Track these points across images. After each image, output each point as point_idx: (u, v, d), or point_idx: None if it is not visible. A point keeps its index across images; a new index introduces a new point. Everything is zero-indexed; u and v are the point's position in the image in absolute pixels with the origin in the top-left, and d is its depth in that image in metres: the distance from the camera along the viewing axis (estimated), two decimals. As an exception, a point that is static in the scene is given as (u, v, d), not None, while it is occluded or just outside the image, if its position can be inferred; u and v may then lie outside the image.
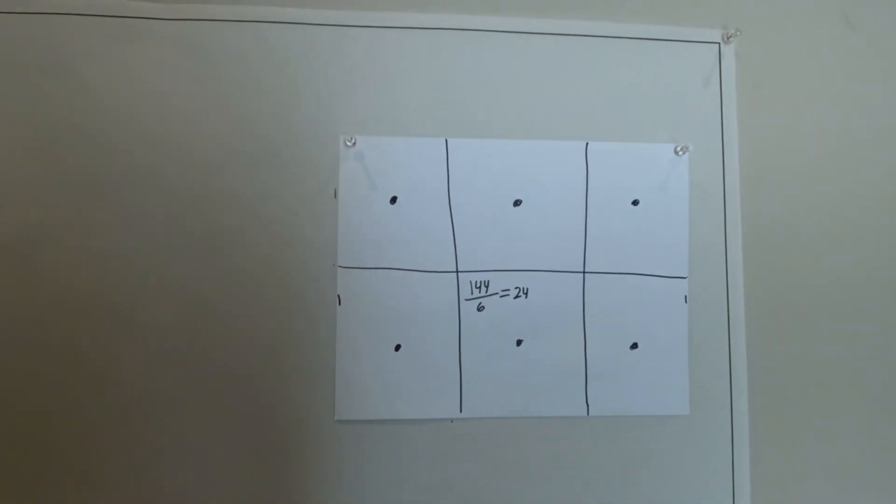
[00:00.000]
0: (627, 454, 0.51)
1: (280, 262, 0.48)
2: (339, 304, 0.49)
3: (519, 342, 0.50)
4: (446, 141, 0.50)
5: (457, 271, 0.50)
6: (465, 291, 0.50)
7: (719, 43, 0.53)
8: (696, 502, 0.51)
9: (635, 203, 0.51)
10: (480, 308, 0.50)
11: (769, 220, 0.52)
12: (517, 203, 0.50)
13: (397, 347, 0.49)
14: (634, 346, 0.51)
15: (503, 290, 0.50)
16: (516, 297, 0.50)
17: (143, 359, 0.47)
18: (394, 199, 0.49)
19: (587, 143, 0.51)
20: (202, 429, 0.47)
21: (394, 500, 0.48)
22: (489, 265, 0.50)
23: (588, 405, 0.50)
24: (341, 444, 0.48)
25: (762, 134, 0.52)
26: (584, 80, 0.51)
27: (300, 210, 0.49)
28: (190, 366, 0.48)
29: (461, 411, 0.49)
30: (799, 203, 0.53)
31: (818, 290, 0.53)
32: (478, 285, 0.50)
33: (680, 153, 0.51)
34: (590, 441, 0.51)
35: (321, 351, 0.48)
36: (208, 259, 0.48)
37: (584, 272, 0.51)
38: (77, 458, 0.47)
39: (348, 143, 0.49)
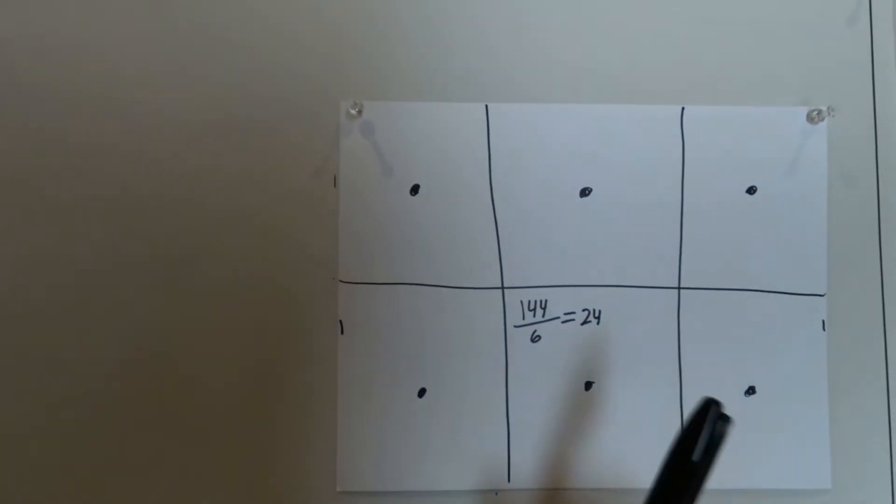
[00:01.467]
0: (742, 541, 0.36)
1: (260, 277, 0.35)
2: (342, 332, 0.36)
3: (588, 385, 0.36)
4: (486, 107, 0.36)
5: (502, 287, 0.36)
6: (515, 315, 0.36)
7: (869, -34, 0.37)
8: None
9: (751, 191, 0.37)
10: (535, 338, 0.36)
11: (945, 214, 0.37)
12: (585, 192, 0.36)
13: (421, 392, 0.36)
14: (751, 390, 0.36)
15: (566, 314, 0.36)
16: (584, 322, 0.36)
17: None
18: (415, 189, 0.36)
19: (682, 108, 0.37)
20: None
21: None
22: (547, 279, 0.36)
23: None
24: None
25: (936, 91, 0.37)
26: (677, 18, 0.37)
27: (287, 206, 0.36)
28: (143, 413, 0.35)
29: (509, 480, 0.36)
30: None
31: None
32: (531, 307, 0.36)
33: (815, 120, 0.37)
34: (689, 522, 0.36)
35: (318, 398, 0.35)
36: (164, 280, 0.35)
37: (678, 288, 0.36)
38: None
39: (352, 112, 0.36)
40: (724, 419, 0.27)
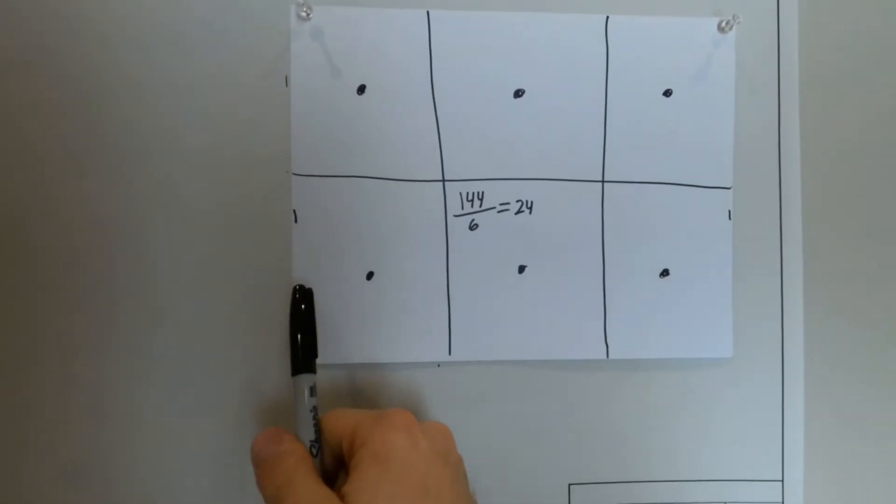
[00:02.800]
0: (654, 406, 0.41)
1: (217, 170, 0.38)
2: (296, 221, 0.39)
3: (521, 269, 0.40)
4: (428, 13, 0.39)
5: (443, 180, 0.39)
6: (454, 205, 0.40)
7: None
8: (737, 464, 0.42)
9: (667, 94, 0.40)
10: (473, 226, 0.40)
11: (836, 117, 0.41)
12: (518, 94, 0.40)
13: (369, 275, 0.39)
14: (665, 273, 0.41)
15: (501, 204, 0.40)
16: (518, 212, 0.40)
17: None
18: (362, 89, 0.39)
19: (607, 17, 0.40)
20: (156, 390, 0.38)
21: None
22: (484, 172, 0.40)
23: (608, 346, 0.41)
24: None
25: (830, 3, 0.41)
26: (603, -66, 0.40)
27: (241, 104, 0.38)
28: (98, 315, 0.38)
29: (450, 353, 0.40)
30: (875, 94, 0.42)
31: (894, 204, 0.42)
32: (469, 198, 0.40)
33: (725, 29, 0.40)
34: (609, 390, 0.41)
35: (275, 282, 0.38)
36: (116, 174, 0.38)
37: (602, 181, 0.40)
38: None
39: (302, 15, 0.38)
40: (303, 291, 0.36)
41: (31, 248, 0.37)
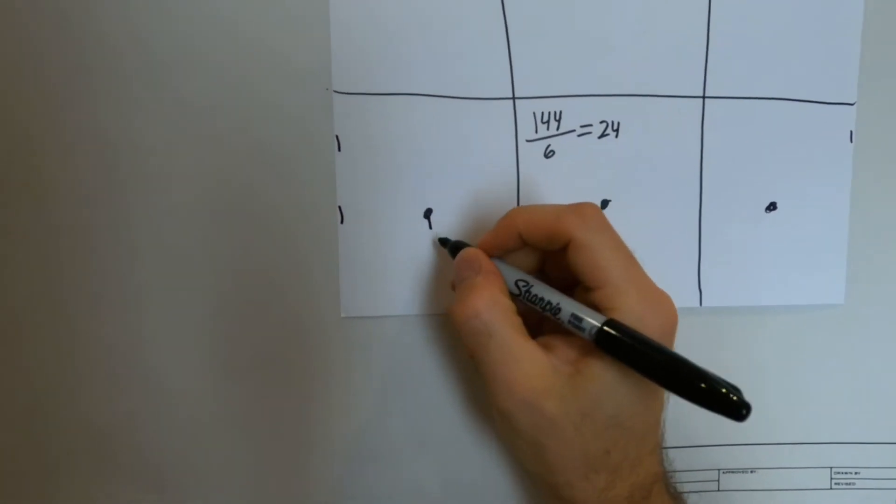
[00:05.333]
0: (752, 360, 0.36)
1: (243, 87, 0.32)
2: (339, 149, 0.32)
3: (605, 203, 0.34)
4: None
5: (513, 97, 0.33)
6: (527, 128, 0.33)
7: None
8: (847, 425, 0.37)
9: (785, -10, 0.33)
10: (549, 153, 0.34)
11: None
12: (605, -10, 0.33)
13: (427, 213, 0.33)
14: (772, 206, 0.35)
15: (582, 126, 0.33)
16: (602, 135, 0.34)
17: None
18: (415, -15, 0.32)
19: None
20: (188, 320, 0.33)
21: (411, 403, 0.35)
22: (562, 87, 0.33)
23: (701, 292, 0.35)
24: (349, 346, 0.34)
25: None
26: None
27: (271, 5, 0.31)
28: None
29: (520, 303, 0.34)
30: None
31: None
32: (545, 119, 0.33)
33: None
34: (700, 342, 0.35)
35: (316, 222, 0.33)
36: (141, 89, 0.31)
37: (703, 97, 0.34)
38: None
39: None
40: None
41: (48, 187, 0.31)
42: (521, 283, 0.28)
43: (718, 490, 0.37)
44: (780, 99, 0.34)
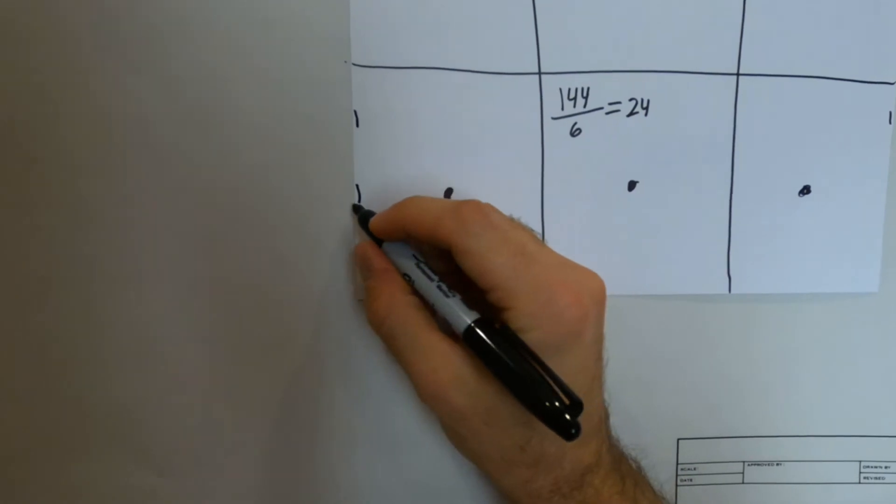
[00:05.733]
0: (781, 349, 0.35)
1: (257, 56, 0.30)
2: (357, 125, 0.31)
3: (632, 185, 0.33)
4: None
5: (539, 72, 0.32)
6: (552, 105, 0.32)
7: None
8: (878, 418, 0.35)
9: (825, -37, 0.32)
10: (575, 131, 0.32)
11: None
12: (636, -41, 0.31)
13: (448, 192, 0.32)
14: (805, 190, 0.33)
15: (611, 104, 0.32)
16: (631, 113, 0.32)
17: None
18: (438, -47, 0.30)
19: None
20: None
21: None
22: (590, 62, 0.32)
23: (730, 278, 0.34)
24: (364, 329, 0.32)
25: None
26: None
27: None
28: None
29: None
30: None
31: None
32: (572, 95, 0.32)
33: None
34: (728, 330, 0.34)
35: (332, 201, 0.31)
36: (154, 62, 0.30)
37: (737, 74, 0.32)
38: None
39: None
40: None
41: (72, 158, 0.30)
42: (407, 278, 0.28)
43: (743, 483, 0.36)
44: (817, 77, 0.33)
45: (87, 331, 0.31)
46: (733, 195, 0.33)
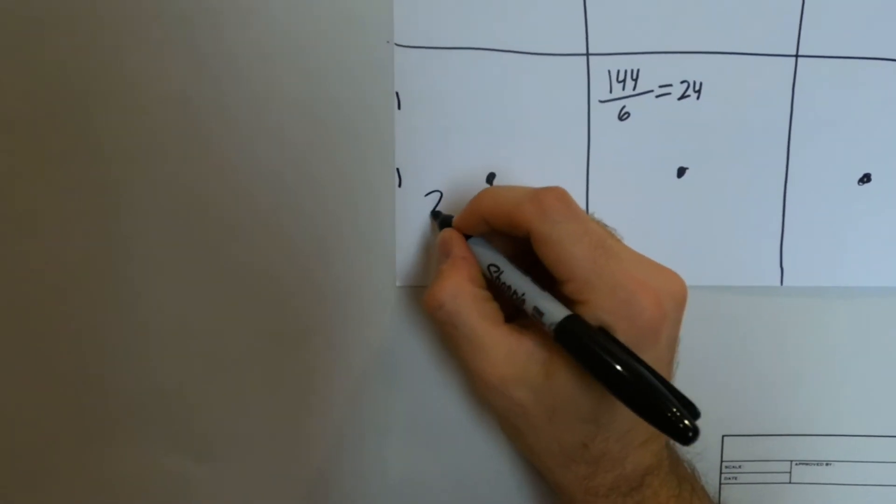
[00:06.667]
0: (834, 345, 0.33)
1: (296, 37, 0.30)
2: (399, 107, 0.30)
3: (681, 171, 0.32)
4: None
5: (587, 54, 0.30)
6: (600, 88, 0.31)
7: None
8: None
9: (893, -66, 0.30)
10: (623, 115, 0.31)
11: None
12: (691, -64, 0.30)
13: (490, 177, 0.31)
14: (865, 178, 0.32)
15: (661, 87, 0.31)
16: (682, 96, 0.31)
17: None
18: (484, -71, 0.29)
19: None
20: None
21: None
22: (640, 43, 0.30)
23: (783, 270, 0.32)
24: (403, 316, 0.32)
25: None
26: None
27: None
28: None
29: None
30: None
31: None
32: (620, 78, 0.31)
33: None
34: (780, 324, 0.33)
35: (372, 185, 0.31)
36: (195, 42, 0.30)
37: (796, 55, 0.31)
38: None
39: None
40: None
41: (107, 141, 0.30)
42: (492, 269, 0.27)
43: (790, 483, 0.34)
44: (880, 59, 0.31)
45: (124, 316, 0.31)
46: (788, 183, 0.32)
